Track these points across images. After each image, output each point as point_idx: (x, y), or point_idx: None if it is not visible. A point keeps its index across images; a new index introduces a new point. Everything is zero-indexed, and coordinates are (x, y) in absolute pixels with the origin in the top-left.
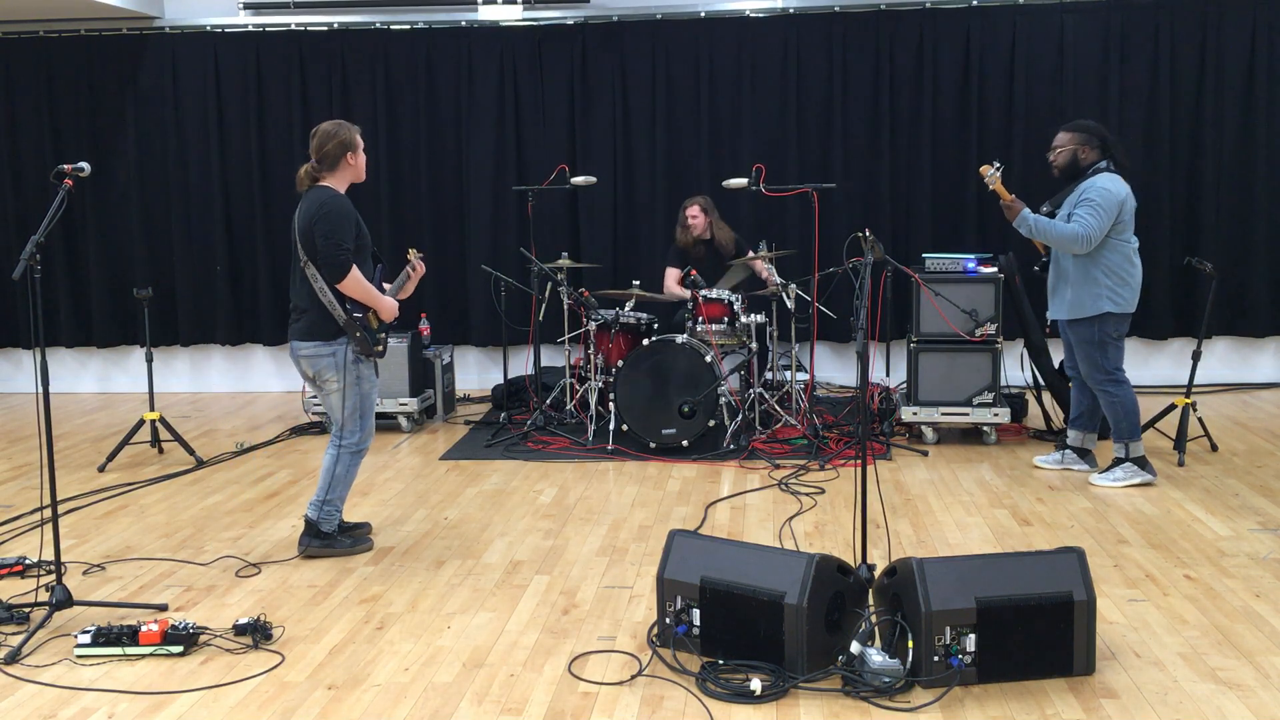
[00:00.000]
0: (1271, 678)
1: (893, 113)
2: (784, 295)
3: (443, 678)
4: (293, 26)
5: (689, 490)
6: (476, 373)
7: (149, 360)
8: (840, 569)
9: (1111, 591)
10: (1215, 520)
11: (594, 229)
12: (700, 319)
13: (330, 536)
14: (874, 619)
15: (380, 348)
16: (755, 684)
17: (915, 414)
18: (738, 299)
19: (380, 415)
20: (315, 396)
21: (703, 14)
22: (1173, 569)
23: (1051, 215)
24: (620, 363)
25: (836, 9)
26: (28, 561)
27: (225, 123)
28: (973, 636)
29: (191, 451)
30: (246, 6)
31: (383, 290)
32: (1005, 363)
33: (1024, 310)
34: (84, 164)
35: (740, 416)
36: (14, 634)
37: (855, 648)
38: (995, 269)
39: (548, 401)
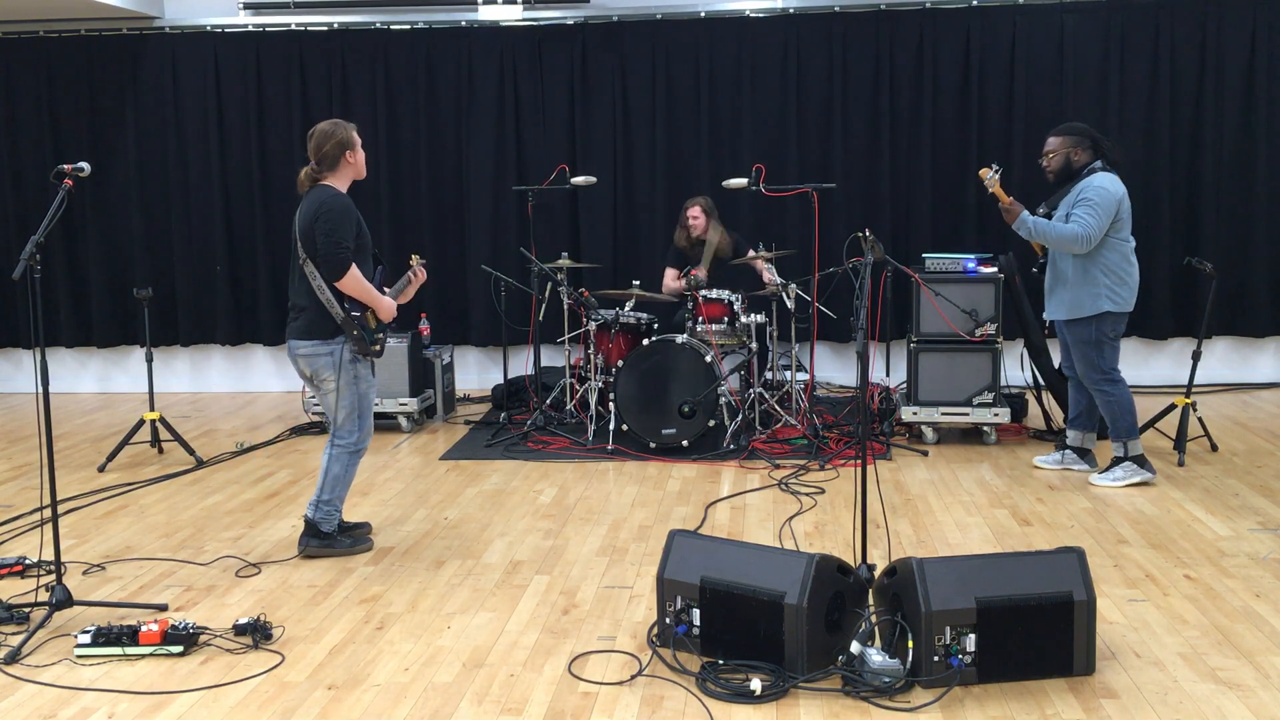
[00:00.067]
0: (1271, 678)
1: (893, 113)
2: (784, 295)
3: (443, 678)
4: (293, 26)
5: (689, 490)
6: (476, 373)
7: (149, 360)
8: (840, 569)
9: (1111, 591)
10: (1215, 520)
11: (594, 229)
12: (700, 319)
13: (330, 536)
14: (874, 619)
15: (377, 347)
16: (755, 684)
17: (915, 414)
18: (738, 299)
19: (380, 415)
20: (314, 396)
21: (703, 14)
22: (1173, 569)
23: (1048, 216)
24: (620, 363)
25: (836, 9)
26: (28, 561)
27: (225, 123)
28: (973, 636)
29: (191, 451)
30: (246, 6)
31: (382, 293)
32: (1005, 363)
33: (1024, 310)
34: (84, 164)
35: (740, 416)
36: (14, 634)
37: (855, 648)
38: (995, 269)
39: (548, 401)
